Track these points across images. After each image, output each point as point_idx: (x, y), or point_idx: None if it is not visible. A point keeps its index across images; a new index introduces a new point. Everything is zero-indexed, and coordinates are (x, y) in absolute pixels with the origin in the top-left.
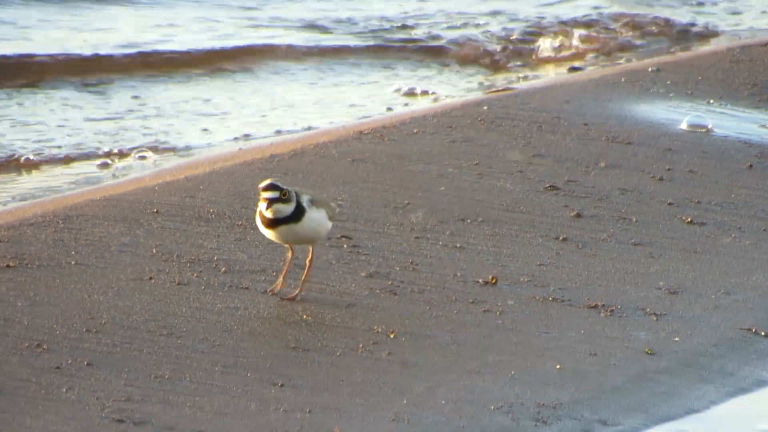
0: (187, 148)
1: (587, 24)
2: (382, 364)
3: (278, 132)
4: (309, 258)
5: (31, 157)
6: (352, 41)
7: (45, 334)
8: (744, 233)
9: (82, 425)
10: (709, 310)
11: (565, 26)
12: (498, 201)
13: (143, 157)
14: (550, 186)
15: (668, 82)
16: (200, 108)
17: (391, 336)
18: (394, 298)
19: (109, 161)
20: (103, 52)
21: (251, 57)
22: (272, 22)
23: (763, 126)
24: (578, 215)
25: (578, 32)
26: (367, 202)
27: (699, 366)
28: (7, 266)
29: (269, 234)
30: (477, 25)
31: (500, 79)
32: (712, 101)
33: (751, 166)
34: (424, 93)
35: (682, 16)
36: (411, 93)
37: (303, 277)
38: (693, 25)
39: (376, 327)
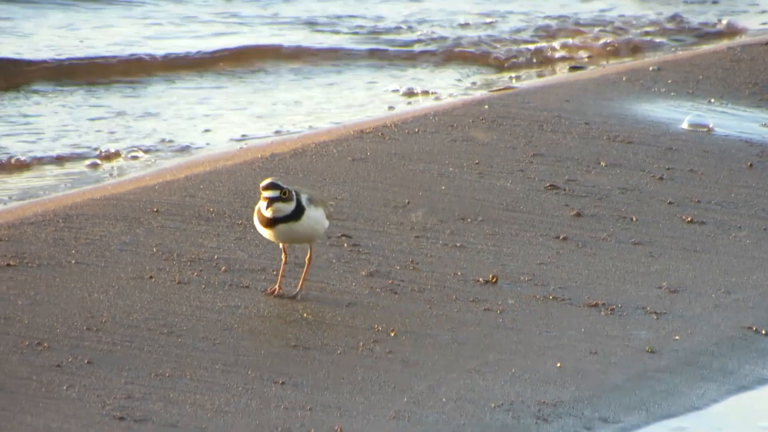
0: (181, 149)
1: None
2: (383, 363)
3: (277, 132)
4: (308, 256)
5: (22, 157)
6: (354, 42)
7: (45, 333)
8: (744, 232)
9: (83, 423)
10: (709, 309)
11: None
12: (498, 200)
13: (135, 157)
14: (550, 185)
15: (669, 81)
16: (198, 109)
17: (392, 335)
18: (394, 297)
19: (99, 161)
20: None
21: (249, 58)
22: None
23: (764, 125)
24: (578, 214)
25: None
26: (367, 201)
27: (699, 364)
28: (8, 265)
29: (266, 233)
30: (486, 24)
31: (504, 78)
32: (713, 100)
33: (751, 165)
34: (425, 93)
35: (700, 14)
36: (411, 93)
37: (302, 275)
38: (708, 23)
39: (376, 326)
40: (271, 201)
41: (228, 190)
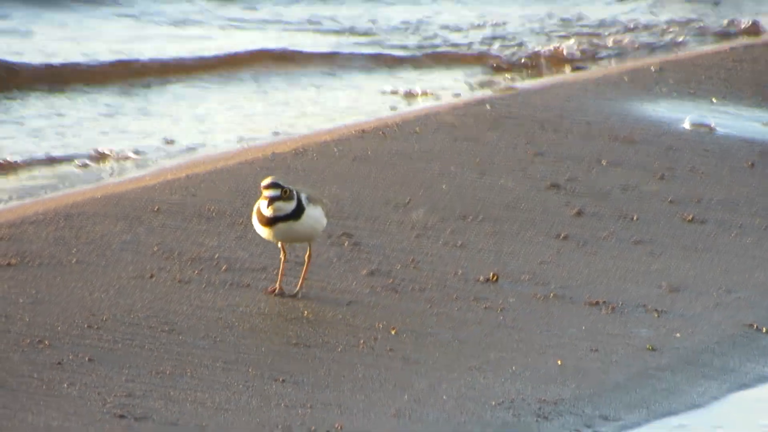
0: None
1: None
2: (384, 361)
3: (275, 134)
4: (308, 254)
5: (10, 158)
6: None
7: (46, 331)
8: (745, 231)
9: (84, 421)
10: (710, 308)
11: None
12: (499, 199)
13: (127, 158)
14: (551, 184)
15: (671, 81)
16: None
17: (393, 333)
18: (395, 296)
19: (89, 162)
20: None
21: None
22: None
23: (766, 124)
24: (579, 213)
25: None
26: (368, 199)
27: (700, 362)
28: (9, 264)
29: (265, 233)
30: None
31: (509, 79)
32: (714, 100)
33: (752, 164)
34: (424, 94)
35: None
36: (409, 94)
37: (303, 273)
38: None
39: (377, 324)
40: (271, 200)
41: (229, 189)
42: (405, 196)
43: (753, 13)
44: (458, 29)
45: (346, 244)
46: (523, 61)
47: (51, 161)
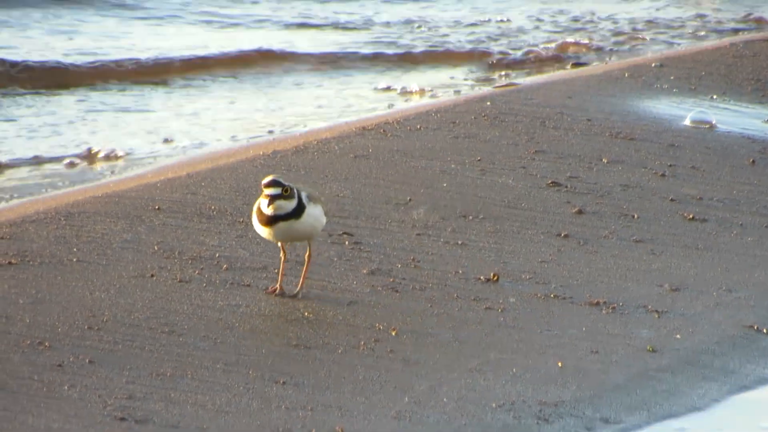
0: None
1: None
2: (384, 362)
3: (270, 132)
4: (308, 253)
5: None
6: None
7: (47, 332)
8: (746, 230)
9: (84, 423)
10: (710, 308)
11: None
12: (500, 197)
13: (118, 158)
14: (552, 182)
15: (671, 78)
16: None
17: (393, 334)
18: (395, 296)
19: (77, 161)
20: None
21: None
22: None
23: (767, 121)
24: (580, 212)
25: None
26: (369, 198)
27: (701, 364)
28: (9, 263)
29: (266, 232)
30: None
31: (509, 76)
32: (715, 96)
33: (753, 161)
34: (422, 91)
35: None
36: (409, 92)
37: (303, 273)
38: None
39: (377, 324)
40: (272, 198)
41: (230, 187)
42: (406, 195)
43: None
44: (458, 25)
45: (346, 243)
46: (524, 57)
47: (38, 161)
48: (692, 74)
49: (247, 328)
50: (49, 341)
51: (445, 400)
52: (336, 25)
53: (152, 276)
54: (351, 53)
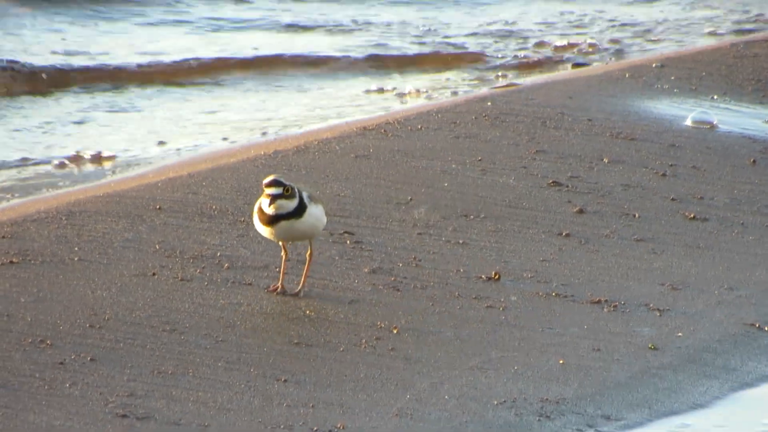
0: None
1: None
2: (386, 360)
3: (264, 134)
4: (309, 252)
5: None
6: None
7: (48, 330)
8: (747, 229)
9: (86, 421)
10: (712, 306)
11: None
12: (501, 197)
13: (97, 160)
14: (553, 182)
15: (672, 78)
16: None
17: (395, 332)
18: (397, 294)
19: (66, 162)
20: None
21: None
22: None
23: (767, 122)
24: (581, 211)
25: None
26: (370, 198)
27: (702, 361)
28: (11, 262)
29: (267, 231)
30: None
31: (510, 76)
32: (716, 97)
33: (754, 161)
34: (418, 92)
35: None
36: (409, 93)
37: (304, 272)
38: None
39: (379, 323)
40: (273, 198)
41: (231, 187)
42: (407, 194)
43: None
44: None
45: (348, 242)
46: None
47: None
48: (693, 74)
49: (248, 327)
50: (51, 339)
51: (446, 397)
52: (333, 27)
53: (153, 275)
54: (344, 56)
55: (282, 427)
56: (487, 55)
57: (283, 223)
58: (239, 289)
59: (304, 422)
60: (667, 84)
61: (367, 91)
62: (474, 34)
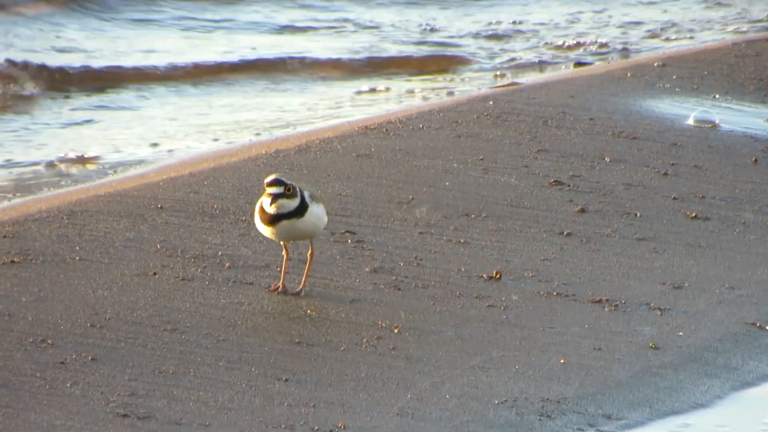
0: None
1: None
2: (387, 359)
3: (257, 135)
4: (310, 252)
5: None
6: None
7: (49, 330)
8: (748, 228)
9: (87, 420)
10: (713, 305)
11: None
12: (502, 196)
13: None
14: (554, 181)
15: (674, 77)
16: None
17: (396, 331)
18: (398, 293)
19: (56, 162)
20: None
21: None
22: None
23: None
24: (582, 210)
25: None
26: (371, 197)
27: (704, 361)
28: (12, 262)
29: (268, 231)
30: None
31: (511, 75)
32: (717, 96)
33: (756, 160)
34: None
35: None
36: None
37: (305, 271)
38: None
39: (380, 322)
40: (275, 197)
41: (232, 186)
42: (408, 194)
43: None
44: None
45: (349, 242)
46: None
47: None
48: (694, 74)
49: (249, 326)
50: (52, 339)
51: (447, 396)
52: (331, 28)
53: (155, 274)
54: (335, 59)
55: (283, 426)
56: (484, 57)
57: (285, 223)
58: (240, 288)
59: (305, 422)
60: (668, 83)
61: (359, 92)
62: (474, 35)
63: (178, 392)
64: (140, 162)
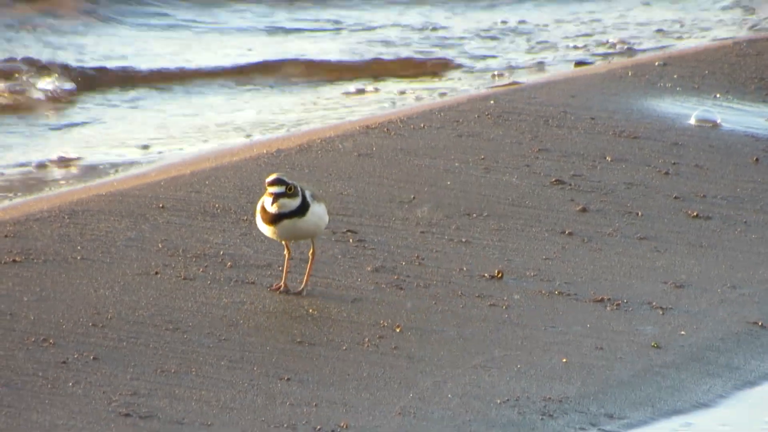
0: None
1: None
2: (389, 359)
3: (248, 136)
4: (311, 251)
5: None
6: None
7: (51, 329)
8: (750, 227)
9: (89, 420)
10: (715, 304)
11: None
12: (504, 195)
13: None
14: (556, 180)
15: (675, 76)
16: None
17: (397, 330)
18: (400, 293)
19: (47, 163)
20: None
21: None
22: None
23: None
24: (584, 209)
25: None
26: (373, 196)
27: (705, 360)
28: (14, 261)
29: (269, 230)
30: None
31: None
32: (718, 95)
33: (757, 160)
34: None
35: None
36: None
37: (307, 271)
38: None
39: (382, 321)
40: (276, 197)
41: (233, 185)
42: (410, 193)
43: None
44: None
45: (350, 241)
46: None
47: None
48: (696, 73)
49: (251, 325)
50: (54, 338)
51: (449, 396)
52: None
53: (156, 273)
54: (324, 60)
55: (285, 425)
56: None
57: (286, 222)
58: (242, 287)
59: (307, 421)
60: (669, 82)
61: (346, 93)
62: (476, 36)
63: (180, 392)
64: (134, 163)
